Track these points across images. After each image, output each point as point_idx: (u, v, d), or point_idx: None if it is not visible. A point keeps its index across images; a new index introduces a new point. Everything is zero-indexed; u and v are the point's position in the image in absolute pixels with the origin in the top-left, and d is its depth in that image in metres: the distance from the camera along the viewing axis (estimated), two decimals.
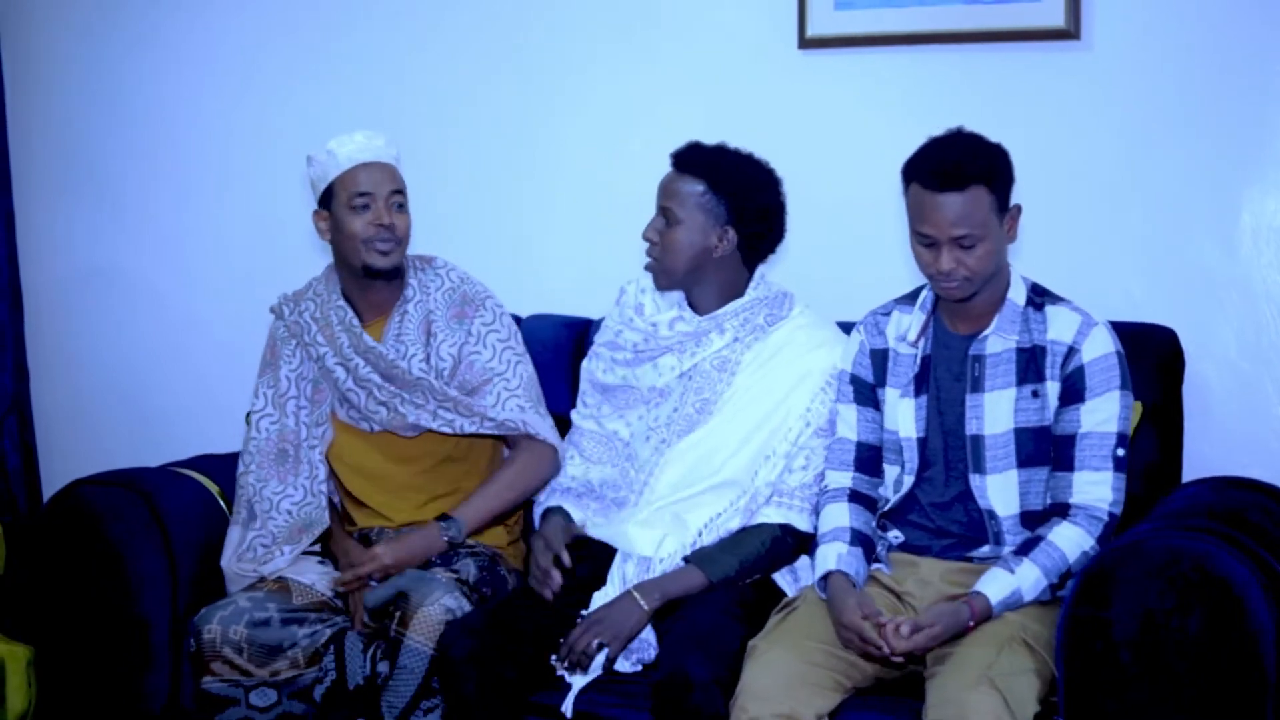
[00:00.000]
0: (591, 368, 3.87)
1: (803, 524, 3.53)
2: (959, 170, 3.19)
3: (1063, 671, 3.01)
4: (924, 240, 3.23)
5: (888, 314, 3.49)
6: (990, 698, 2.92)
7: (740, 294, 3.69)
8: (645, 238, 3.67)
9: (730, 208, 3.62)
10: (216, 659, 3.50)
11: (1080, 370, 3.23)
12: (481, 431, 3.77)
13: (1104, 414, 3.22)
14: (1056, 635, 3.02)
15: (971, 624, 3.13)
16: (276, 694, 3.52)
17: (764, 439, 3.60)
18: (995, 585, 3.16)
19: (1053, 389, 3.26)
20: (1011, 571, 3.16)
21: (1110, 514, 3.20)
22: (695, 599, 3.44)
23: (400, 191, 3.76)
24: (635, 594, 3.43)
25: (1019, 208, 3.28)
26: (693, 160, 3.66)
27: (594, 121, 4.50)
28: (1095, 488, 3.21)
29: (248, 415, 3.91)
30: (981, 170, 3.20)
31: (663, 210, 3.65)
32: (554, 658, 3.39)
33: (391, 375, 3.74)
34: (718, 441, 3.62)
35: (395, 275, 3.79)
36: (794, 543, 3.56)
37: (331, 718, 3.51)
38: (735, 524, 3.57)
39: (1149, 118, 3.97)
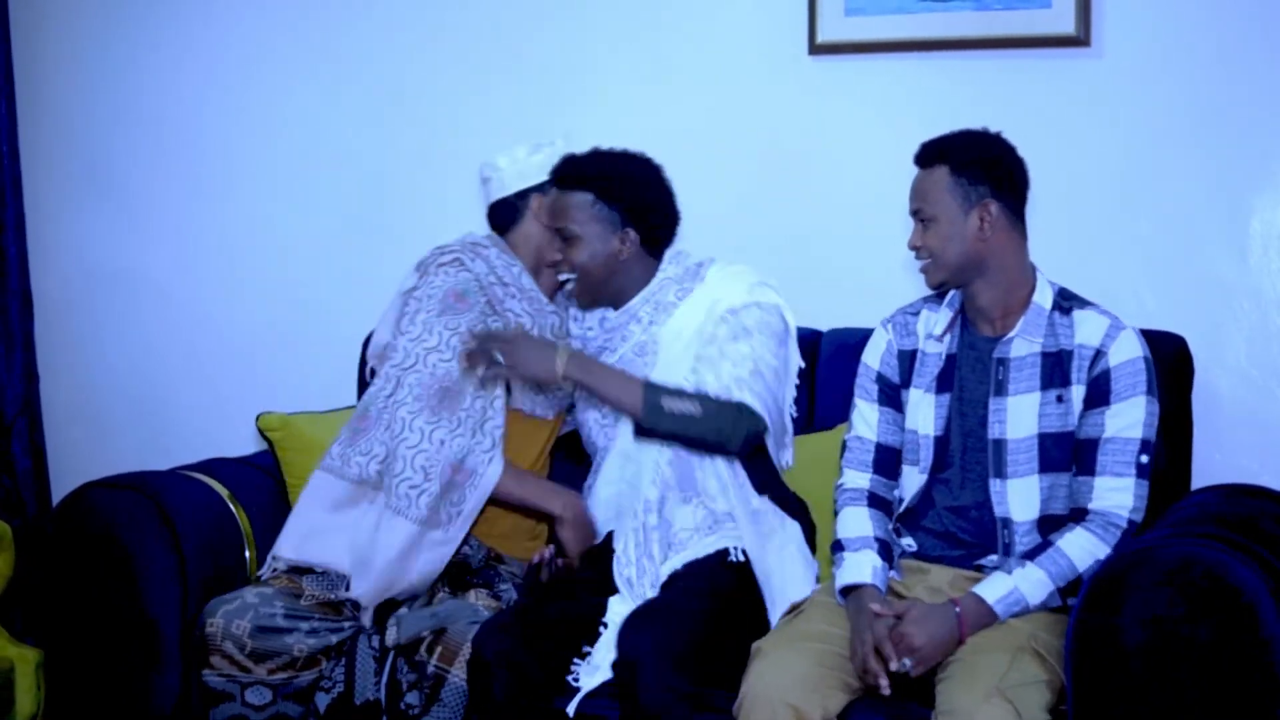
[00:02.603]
0: None
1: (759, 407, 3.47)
2: (931, 147, 3.30)
3: (1071, 679, 3.00)
4: None
5: (916, 313, 3.49)
6: (1001, 709, 2.91)
7: (649, 280, 3.68)
8: (550, 263, 3.73)
9: (622, 210, 3.61)
10: (216, 653, 3.49)
11: (1106, 374, 3.22)
12: None
13: (1129, 419, 3.21)
14: (1065, 642, 3.02)
15: (963, 627, 3.13)
16: (272, 694, 3.51)
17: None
18: (991, 586, 3.16)
19: (1078, 393, 3.25)
20: (1009, 573, 3.16)
21: (1130, 521, 3.18)
22: (673, 584, 3.45)
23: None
24: (563, 352, 3.45)
25: (997, 209, 3.25)
26: (573, 174, 3.65)
27: (604, 128, 4.49)
28: (1116, 494, 3.19)
29: (371, 370, 3.84)
30: (949, 152, 3.27)
31: (559, 233, 3.64)
32: None
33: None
34: None
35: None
36: (746, 429, 3.47)
37: None
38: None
39: (1159, 124, 3.97)
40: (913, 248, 3.34)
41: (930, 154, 3.31)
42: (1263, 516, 3.31)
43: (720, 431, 3.42)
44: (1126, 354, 3.23)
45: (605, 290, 3.66)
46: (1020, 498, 3.28)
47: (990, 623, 3.14)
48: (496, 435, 3.65)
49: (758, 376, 3.48)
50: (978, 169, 3.26)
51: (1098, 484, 3.20)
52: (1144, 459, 3.20)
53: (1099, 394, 3.23)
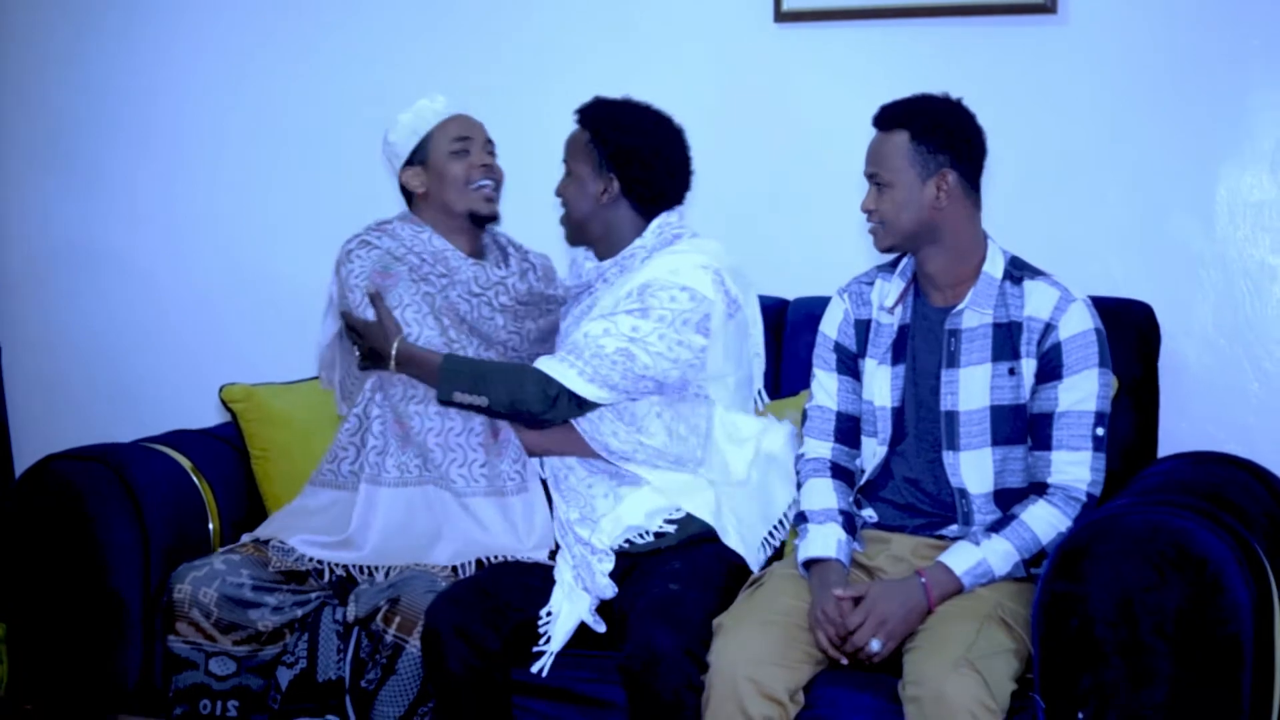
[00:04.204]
0: None
1: (580, 387, 3.47)
2: (890, 110, 3.30)
3: (1039, 647, 3.00)
4: None
5: (871, 282, 3.48)
6: (969, 679, 2.90)
7: (630, 243, 3.70)
8: (557, 193, 3.76)
9: (606, 153, 3.65)
10: (183, 619, 3.47)
11: (1057, 347, 3.21)
12: None
13: (1082, 392, 3.20)
14: (1032, 611, 3.02)
15: (930, 597, 3.13)
16: (236, 665, 3.49)
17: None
18: (959, 556, 3.16)
19: (1029, 366, 3.24)
20: (977, 544, 3.16)
21: (1089, 494, 3.19)
22: (655, 570, 3.44)
23: (491, 141, 3.85)
24: (396, 342, 3.62)
25: (954, 179, 3.24)
26: (585, 113, 3.74)
27: (570, 95, 4.47)
28: (1074, 468, 3.19)
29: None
30: (908, 117, 3.26)
31: (564, 162, 3.75)
32: None
33: (524, 298, 3.79)
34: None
35: (495, 222, 3.86)
36: (562, 401, 3.50)
37: (296, 708, 3.50)
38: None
39: (1125, 92, 3.97)
40: (865, 210, 3.32)
41: (890, 118, 3.29)
42: (1229, 484, 3.32)
43: (514, 405, 3.52)
44: (1076, 326, 3.22)
45: (583, 231, 3.72)
46: (974, 471, 3.28)
47: (957, 592, 3.14)
48: None
49: (622, 358, 3.47)
50: (939, 137, 3.24)
51: (1055, 459, 3.20)
52: (1100, 431, 3.20)
53: (1050, 368, 3.22)
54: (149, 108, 4.99)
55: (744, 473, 3.58)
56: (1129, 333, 3.63)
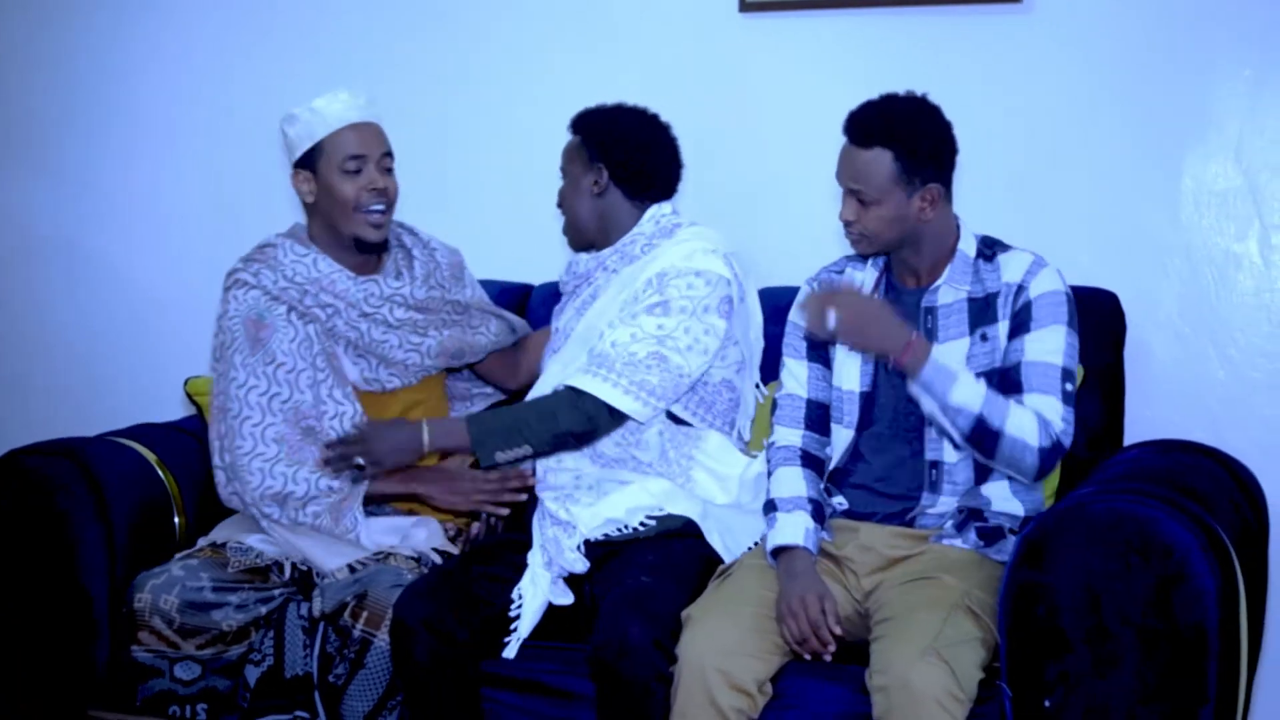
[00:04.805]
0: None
1: (618, 400, 3.46)
2: (868, 127, 3.24)
3: (1005, 636, 3.01)
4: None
5: (841, 271, 3.49)
6: (936, 669, 2.90)
7: (626, 233, 3.72)
8: (558, 204, 3.75)
9: (593, 146, 3.67)
10: (144, 628, 3.47)
11: (1028, 305, 3.23)
12: (501, 332, 3.92)
13: (1049, 345, 3.20)
14: (999, 600, 3.02)
15: (903, 354, 3.14)
16: (201, 669, 3.49)
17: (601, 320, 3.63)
18: (944, 356, 3.18)
19: (1002, 329, 3.25)
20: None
21: (1057, 439, 3.17)
22: (629, 561, 3.44)
23: (390, 154, 3.68)
24: (425, 428, 3.51)
25: (939, 191, 3.25)
26: (576, 121, 3.74)
27: (535, 87, 4.47)
28: (1047, 409, 3.17)
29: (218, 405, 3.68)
30: (889, 135, 3.22)
31: (561, 171, 3.75)
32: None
33: (425, 305, 3.72)
34: (570, 339, 3.68)
35: (384, 250, 3.73)
36: (602, 416, 3.49)
37: (265, 704, 3.49)
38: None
39: (1090, 82, 3.98)
40: (845, 221, 3.30)
41: (869, 134, 3.24)
42: (1194, 472, 3.33)
43: (558, 439, 3.49)
44: (1046, 286, 3.24)
45: (583, 231, 3.71)
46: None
47: (918, 365, 3.14)
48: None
49: (655, 361, 3.47)
50: (924, 156, 3.23)
51: (1027, 399, 3.19)
52: (1068, 387, 3.20)
53: (1020, 324, 3.24)
54: (122, 103, 4.97)
55: (724, 500, 3.59)
56: (1095, 322, 3.64)
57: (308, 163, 3.64)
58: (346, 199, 3.60)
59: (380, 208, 3.63)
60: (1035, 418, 3.15)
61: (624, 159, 3.66)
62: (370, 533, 3.56)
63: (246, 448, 3.55)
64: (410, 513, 3.70)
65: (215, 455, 3.63)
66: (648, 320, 3.49)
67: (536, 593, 3.44)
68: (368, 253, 3.69)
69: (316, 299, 3.62)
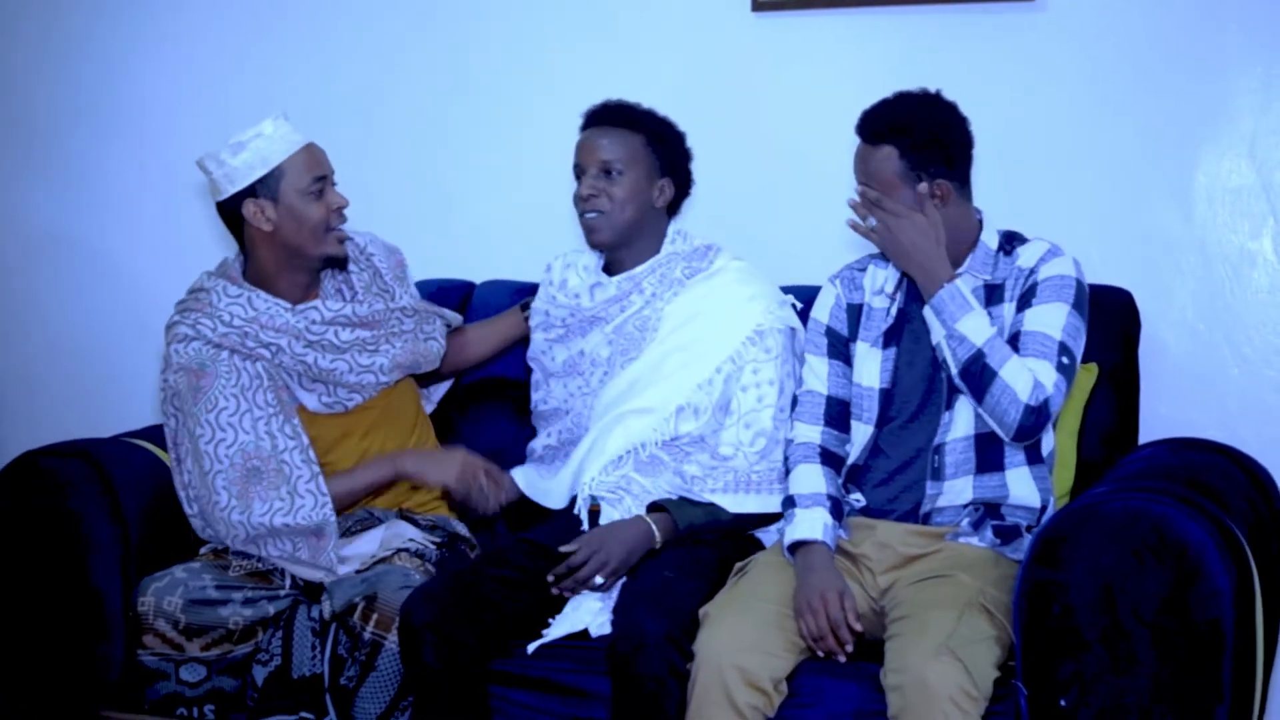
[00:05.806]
0: (536, 354, 3.92)
1: (770, 504, 3.53)
2: (873, 124, 3.29)
3: (1020, 635, 3.01)
4: None
5: (863, 269, 3.51)
6: (951, 667, 2.91)
7: (657, 251, 3.72)
8: (582, 195, 3.66)
9: (663, 158, 3.66)
10: (149, 631, 3.48)
11: (1034, 285, 3.26)
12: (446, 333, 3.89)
13: (1049, 318, 3.22)
14: (1014, 598, 3.02)
15: (930, 283, 3.22)
16: (206, 670, 3.49)
17: (681, 374, 3.62)
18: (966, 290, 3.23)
19: (1009, 309, 3.28)
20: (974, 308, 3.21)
21: (1045, 402, 3.17)
22: (649, 556, 3.45)
23: (333, 170, 3.69)
24: (648, 518, 3.48)
25: (946, 187, 3.27)
26: (623, 116, 3.70)
27: (548, 88, 4.47)
28: (1041, 373, 3.18)
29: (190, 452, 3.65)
30: (893, 131, 3.26)
31: (602, 166, 3.64)
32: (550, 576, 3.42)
33: (370, 320, 3.69)
34: (638, 375, 3.66)
35: (345, 265, 3.74)
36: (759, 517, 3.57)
37: (272, 704, 3.48)
38: (660, 454, 3.61)
39: (1104, 79, 3.97)
40: (860, 218, 3.33)
41: (876, 131, 3.28)
42: (1209, 470, 3.33)
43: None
44: (1057, 270, 3.26)
45: (629, 235, 3.67)
46: (961, 418, 3.30)
47: (935, 288, 3.21)
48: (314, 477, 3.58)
49: (773, 445, 3.56)
50: (930, 151, 3.25)
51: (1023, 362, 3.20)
52: (1065, 360, 3.20)
53: (1024, 301, 3.26)
54: (128, 101, 4.97)
55: None
56: (1109, 320, 3.64)
57: (262, 190, 3.59)
58: (317, 220, 3.60)
59: (343, 224, 3.66)
60: (1031, 376, 3.15)
61: (686, 180, 3.71)
62: (349, 561, 3.58)
63: (216, 499, 3.55)
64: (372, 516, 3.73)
65: (184, 505, 3.67)
66: (769, 391, 3.59)
67: (579, 618, 3.41)
68: (335, 268, 3.71)
69: (257, 339, 3.60)
